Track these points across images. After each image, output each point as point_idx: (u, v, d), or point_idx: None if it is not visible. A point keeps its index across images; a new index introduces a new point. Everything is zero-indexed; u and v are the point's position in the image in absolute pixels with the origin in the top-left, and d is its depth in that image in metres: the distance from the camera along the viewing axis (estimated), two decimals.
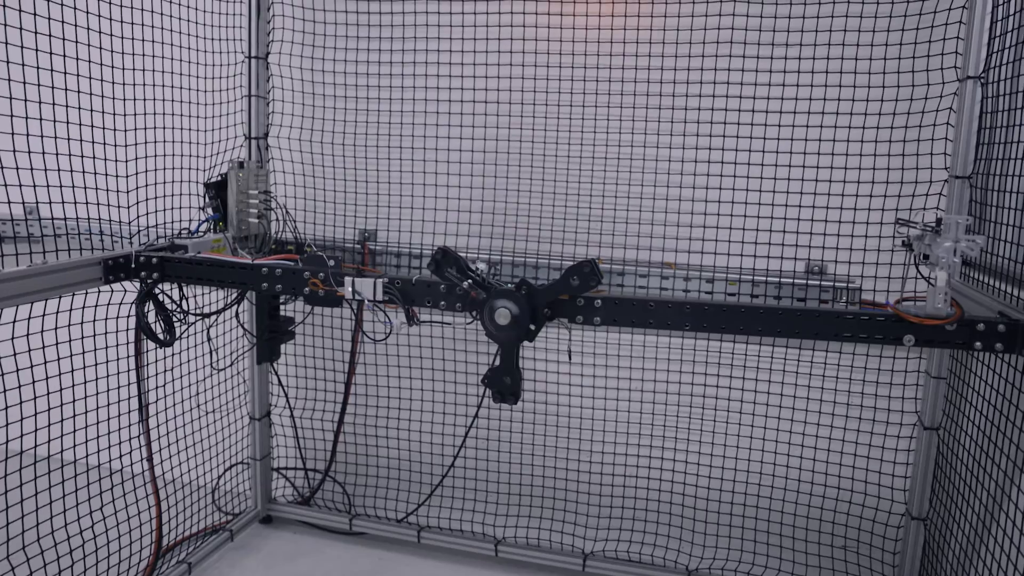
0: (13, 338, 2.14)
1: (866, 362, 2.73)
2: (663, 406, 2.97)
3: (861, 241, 2.63)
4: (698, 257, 2.79)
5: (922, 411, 2.57)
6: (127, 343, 2.48)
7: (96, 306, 2.45)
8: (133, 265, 2.38)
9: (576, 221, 2.91)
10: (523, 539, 3.06)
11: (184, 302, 2.52)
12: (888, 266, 2.58)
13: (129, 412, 2.54)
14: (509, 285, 2.02)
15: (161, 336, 2.45)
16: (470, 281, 2.02)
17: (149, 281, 2.39)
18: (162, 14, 2.61)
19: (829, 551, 2.85)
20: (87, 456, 2.42)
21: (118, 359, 2.50)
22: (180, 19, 2.69)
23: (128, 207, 2.52)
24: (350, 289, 2.18)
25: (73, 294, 2.28)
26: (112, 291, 2.46)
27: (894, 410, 2.70)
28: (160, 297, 2.46)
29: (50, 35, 2.16)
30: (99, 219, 2.42)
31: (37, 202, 2.15)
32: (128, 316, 2.48)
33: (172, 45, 2.66)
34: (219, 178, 2.76)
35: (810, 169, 2.63)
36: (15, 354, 2.16)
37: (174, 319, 2.50)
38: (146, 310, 2.41)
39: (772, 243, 2.69)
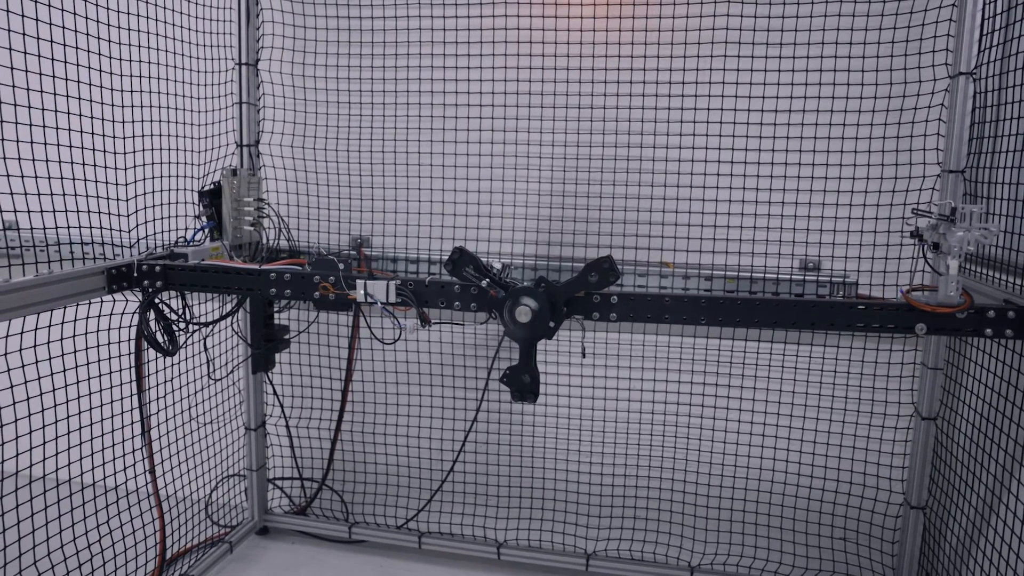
0: (21, 351, 2.10)
1: (863, 355, 2.78)
2: (662, 404, 2.99)
3: (856, 236, 2.68)
4: (695, 256, 2.82)
5: (919, 402, 2.62)
6: (123, 355, 2.43)
7: (92, 317, 2.40)
8: (135, 274, 2.35)
9: (574, 223, 2.93)
10: (525, 541, 3.06)
11: (186, 311, 2.49)
12: (883, 260, 2.63)
13: (129, 426, 2.50)
14: (527, 283, 2.03)
15: (164, 346, 2.42)
16: (488, 280, 2.02)
17: (151, 290, 2.35)
18: (155, 19, 2.57)
19: (829, 542, 2.90)
20: (92, 471, 2.38)
21: (116, 372, 2.45)
22: (171, 24, 2.66)
23: (128, 215, 2.48)
24: (362, 292, 2.17)
25: (77, 305, 2.23)
26: (114, 301, 2.42)
27: (891, 402, 2.76)
28: (160, 306, 2.42)
29: (51, 40, 2.13)
30: (94, 228, 2.38)
31: (13, 211, 2.11)
32: (130, 326, 2.43)
33: (163, 51, 2.63)
34: (212, 186, 2.73)
35: (805, 167, 2.68)
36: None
37: (175, 328, 2.46)
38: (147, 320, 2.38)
39: (769, 240, 2.74)
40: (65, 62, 2.18)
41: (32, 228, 2.13)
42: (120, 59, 2.42)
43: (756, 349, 2.88)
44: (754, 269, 2.78)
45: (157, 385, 2.69)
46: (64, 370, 2.26)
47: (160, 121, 2.64)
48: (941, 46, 2.45)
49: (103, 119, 2.36)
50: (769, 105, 2.68)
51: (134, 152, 2.50)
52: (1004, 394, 2.15)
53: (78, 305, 2.27)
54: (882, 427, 2.79)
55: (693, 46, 2.71)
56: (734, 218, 2.77)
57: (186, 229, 2.68)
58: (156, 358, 2.52)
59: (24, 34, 2.04)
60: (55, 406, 2.23)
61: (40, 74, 2.10)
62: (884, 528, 2.82)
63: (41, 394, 2.19)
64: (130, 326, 2.42)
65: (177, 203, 2.72)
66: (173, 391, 2.78)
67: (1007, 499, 2.16)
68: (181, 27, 2.71)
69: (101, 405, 2.40)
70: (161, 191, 2.64)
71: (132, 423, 2.50)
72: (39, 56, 2.09)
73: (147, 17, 2.53)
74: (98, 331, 2.39)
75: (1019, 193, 2.15)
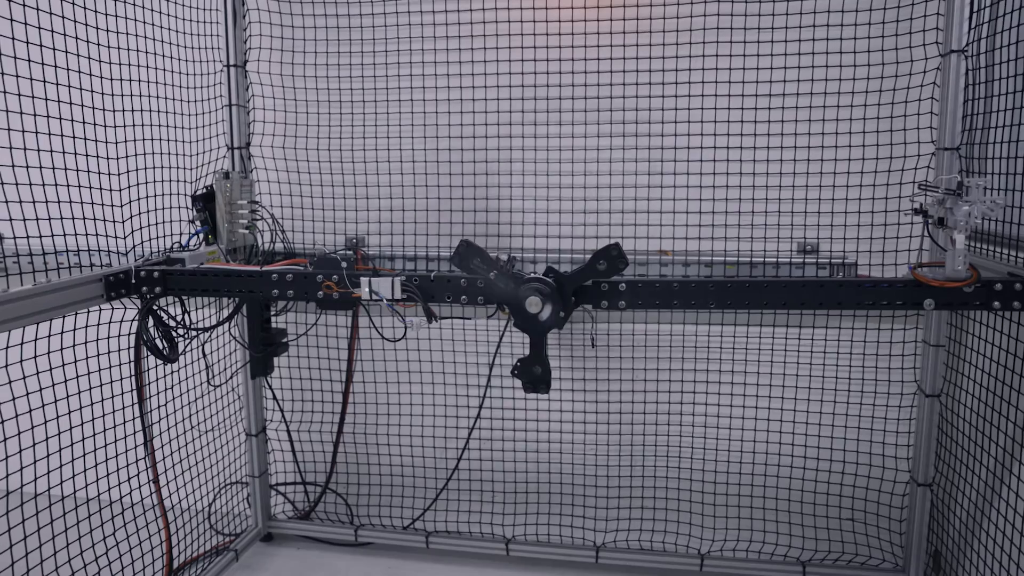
0: (21, 362, 2.06)
1: (865, 336, 2.79)
2: (666, 393, 2.99)
3: (853, 218, 2.69)
4: (694, 243, 2.82)
5: (922, 380, 2.63)
6: (122, 364, 2.39)
7: (91, 326, 2.36)
8: (134, 280, 2.31)
9: (572, 215, 2.92)
10: (534, 536, 3.05)
11: (186, 316, 2.45)
12: (881, 240, 2.64)
13: (131, 436, 2.46)
14: (534, 274, 2.01)
15: (164, 352, 2.38)
16: (496, 272, 2.01)
17: (150, 296, 2.32)
18: (142, 22, 2.54)
19: (838, 523, 2.91)
20: (97, 482, 2.34)
21: (115, 382, 2.41)
22: (158, 26, 2.62)
23: (121, 222, 2.44)
24: (367, 289, 2.15)
25: (76, 314, 2.19)
26: (112, 309, 2.38)
27: (895, 381, 2.78)
28: (159, 312, 2.39)
29: (40, 44, 2.09)
30: (89, 235, 2.35)
31: (9, 219, 2.07)
32: (129, 334, 2.39)
33: (151, 54, 2.60)
34: (205, 190, 2.70)
35: (800, 149, 2.69)
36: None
37: (175, 335, 2.43)
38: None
39: (767, 224, 2.75)
40: (55, 66, 2.14)
41: (28, 236, 2.09)
42: (111, 63, 2.38)
43: (758, 334, 2.89)
44: (753, 254, 2.79)
45: (157, 394, 2.66)
46: (65, 380, 2.23)
47: (150, 125, 2.60)
48: (932, 24, 2.46)
49: (95, 124, 2.32)
50: (763, 89, 2.69)
51: (126, 157, 2.47)
52: (1010, 366, 2.16)
53: (76, 314, 2.23)
54: (886, 406, 2.80)
55: (685, 32, 2.71)
56: (731, 203, 2.78)
57: (180, 234, 2.65)
58: (156, 366, 2.48)
59: (13, 38, 2.00)
60: (57, 418, 2.19)
61: (31, 79, 2.06)
62: (892, 507, 2.83)
63: (43, 406, 2.15)
64: (129, 334, 2.39)
65: (170, 208, 2.68)
66: (172, 399, 2.74)
67: (1016, 469, 2.18)
68: (168, 29, 2.67)
69: (104, 415, 2.37)
70: (153, 196, 2.60)
71: (134, 432, 2.46)
72: (28, 60, 2.05)
73: (134, 20, 2.49)
74: (97, 340, 2.35)
75: (1014, 167, 2.16)
